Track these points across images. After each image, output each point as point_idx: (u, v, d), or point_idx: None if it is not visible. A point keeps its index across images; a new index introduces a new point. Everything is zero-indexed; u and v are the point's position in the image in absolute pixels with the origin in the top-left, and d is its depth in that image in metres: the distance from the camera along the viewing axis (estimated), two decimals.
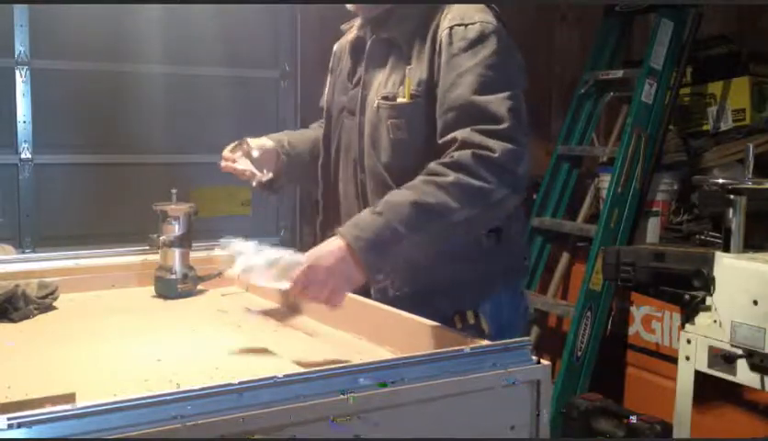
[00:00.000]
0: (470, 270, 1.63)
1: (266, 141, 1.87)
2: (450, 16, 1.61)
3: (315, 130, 1.97)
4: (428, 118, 1.59)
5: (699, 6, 3.34)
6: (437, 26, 1.62)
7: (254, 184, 1.82)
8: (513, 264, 1.74)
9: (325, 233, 1.83)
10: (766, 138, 3.26)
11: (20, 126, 3.44)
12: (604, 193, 3.40)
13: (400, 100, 1.62)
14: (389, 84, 1.65)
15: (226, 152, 1.82)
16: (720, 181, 2.34)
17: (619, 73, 3.54)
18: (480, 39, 1.57)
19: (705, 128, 3.51)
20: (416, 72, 1.62)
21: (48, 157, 3.51)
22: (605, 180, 3.40)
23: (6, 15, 3.37)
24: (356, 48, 1.79)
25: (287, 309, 1.80)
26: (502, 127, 1.49)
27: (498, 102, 1.51)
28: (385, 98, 1.64)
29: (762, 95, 3.41)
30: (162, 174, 3.59)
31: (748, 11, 3.64)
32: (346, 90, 1.79)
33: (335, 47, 1.92)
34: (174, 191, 1.94)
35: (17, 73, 3.42)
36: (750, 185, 2.20)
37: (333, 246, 1.42)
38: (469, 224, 1.49)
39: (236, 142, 1.83)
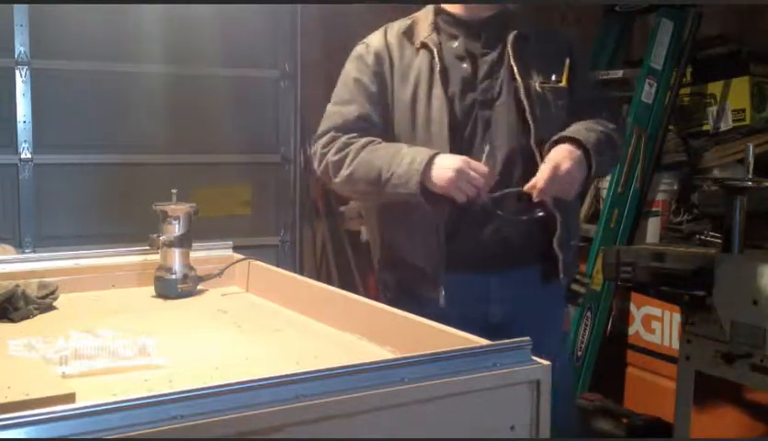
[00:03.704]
0: None
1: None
2: (555, 25, 2.24)
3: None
4: (567, 98, 1.99)
5: (699, 6, 3.34)
6: (553, 30, 2.20)
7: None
8: None
9: (450, 227, 1.92)
10: (766, 138, 3.26)
11: (20, 126, 3.45)
12: (603, 193, 3.40)
13: (560, 85, 1.97)
14: (535, 73, 1.95)
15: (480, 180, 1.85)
16: (720, 181, 2.34)
17: (619, 73, 3.54)
18: None
19: (705, 128, 3.50)
20: (562, 63, 1.98)
21: (48, 157, 3.52)
22: (605, 180, 3.40)
23: (6, 15, 3.38)
24: (469, 49, 1.98)
25: (287, 309, 1.80)
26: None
27: None
28: (545, 83, 1.95)
29: (762, 95, 3.41)
30: (162, 174, 3.59)
31: (748, 11, 3.64)
32: (472, 86, 1.95)
33: (397, 52, 2.00)
34: (174, 191, 1.93)
35: (17, 73, 3.42)
36: (750, 185, 2.20)
37: (567, 152, 1.86)
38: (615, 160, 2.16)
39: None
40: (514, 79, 1.93)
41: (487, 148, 1.91)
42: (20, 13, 3.40)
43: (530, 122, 1.91)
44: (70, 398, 1.09)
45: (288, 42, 3.95)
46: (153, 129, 3.70)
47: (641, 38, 3.72)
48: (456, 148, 1.88)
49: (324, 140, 1.98)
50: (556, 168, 1.83)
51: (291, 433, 1.00)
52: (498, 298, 1.96)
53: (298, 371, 1.04)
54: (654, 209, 3.41)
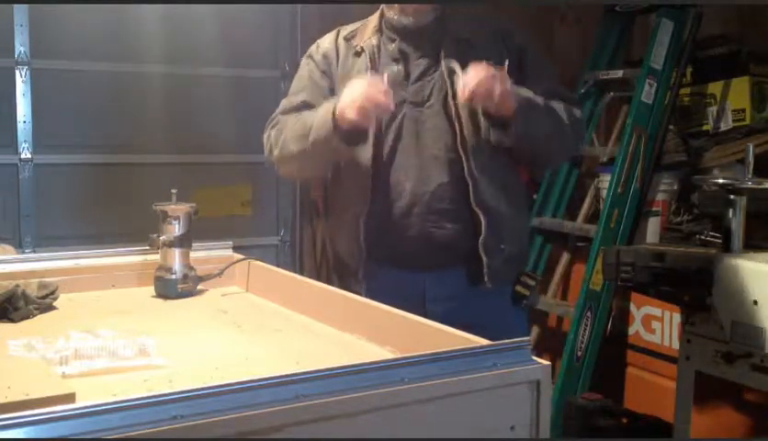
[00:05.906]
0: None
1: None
2: (506, 26, 2.10)
3: None
4: None
5: (699, 6, 3.34)
6: (500, 31, 2.06)
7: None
8: None
9: (373, 222, 1.98)
10: (766, 138, 3.26)
11: (20, 126, 3.44)
12: (604, 193, 3.40)
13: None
14: None
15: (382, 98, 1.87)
16: (720, 181, 2.34)
17: (619, 73, 3.54)
18: None
19: (705, 128, 3.50)
20: (502, 66, 1.92)
21: (48, 157, 3.52)
22: (605, 180, 3.40)
23: (6, 15, 3.37)
24: (403, 51, 2.03)
25: (287, 309, 1.80)
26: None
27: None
28: None
29: (762, 95, 3.41)
30: (162, 174, 3.59)
31: (748, 11, 3.64)
32: (403, 86, 2.00)
33: (360, 49, 2.06)
34: (174, 191, 1.94)
35: (17, 73, 3.42)
36: (750, 185, 2.20)
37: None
38: (559, 139, 2.04)
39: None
40: (445, 82, 1.97)
41: (414, 148, 1.97)
42: (20, 13, 3.40)
43: (455, 125, 1.95)
44: (70, 398, 1.09)
45: (287, 42, 3.94)
46: (153, 129, 3.70)
47: (641, 38, 3.72)
48: (383, 148, 1.97)
49: (272, 124, 2.14)
50: (486, 67, 1.85)
51: (291, 433, 1.00)
52: (426, 297, 1.99)
53: (298, 371, 1.04)
54: (654, 209, 3.40)
